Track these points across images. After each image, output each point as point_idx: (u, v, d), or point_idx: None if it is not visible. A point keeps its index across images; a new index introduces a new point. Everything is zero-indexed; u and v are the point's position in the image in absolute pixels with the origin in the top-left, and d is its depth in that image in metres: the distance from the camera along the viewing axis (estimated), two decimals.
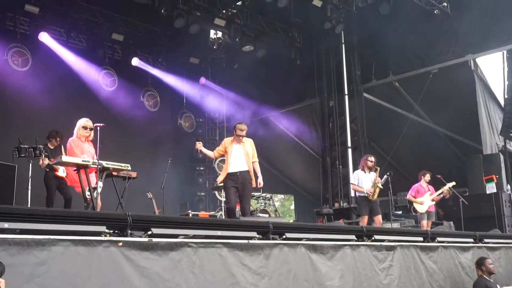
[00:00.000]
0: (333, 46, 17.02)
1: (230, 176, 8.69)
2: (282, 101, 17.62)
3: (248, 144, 8.90)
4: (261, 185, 8.90)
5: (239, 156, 8.75)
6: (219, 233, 5.49)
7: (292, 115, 18.64)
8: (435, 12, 14.48)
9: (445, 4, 14.62)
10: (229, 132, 16.73)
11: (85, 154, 7.90)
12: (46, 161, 8.15)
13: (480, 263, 8.26)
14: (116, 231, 4.76)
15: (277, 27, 16.15)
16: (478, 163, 13.96)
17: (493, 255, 9.26)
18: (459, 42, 14.63)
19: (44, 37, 13.40)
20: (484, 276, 8.15)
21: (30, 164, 8.21)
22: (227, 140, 9.08)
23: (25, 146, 7.95)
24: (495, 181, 13.45)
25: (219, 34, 16.84)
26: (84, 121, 8.18)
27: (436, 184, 11.90)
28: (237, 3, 15.28)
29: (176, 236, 5.08)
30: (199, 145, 8.91)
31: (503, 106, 15.01)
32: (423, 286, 7.60)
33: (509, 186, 13.80)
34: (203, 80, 17.16)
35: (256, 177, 8.80)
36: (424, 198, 11.58)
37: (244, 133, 8.80)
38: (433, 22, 14.58)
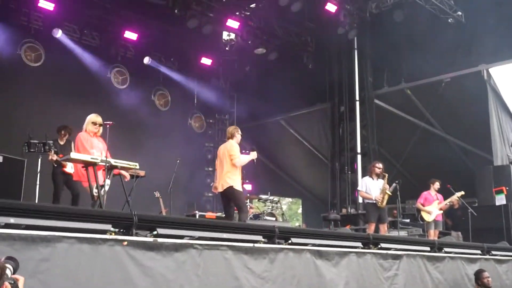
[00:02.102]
0: (346, 51, 17.02)
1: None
2: (293, 104, 17.56)
3: None
4: None
5: None
6: (225, 235, 5.47)
7: (303, 119, 18.63)
8: (449, 20, 14.43)
9: (459, 13, 14.57)
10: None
11: (94, 149, 7.89)
12: (55, 157, 8.17)
13: (476, 276, 8.19)
14: (122, 230, 4.76)
15: (290, 30, 16.12)
16: (488, 174, 13.85)
17: (501, 267, 9.18)
18: (472, 52, 14.54)
19: (58, 33, 13.47)
20: None
21: (39, 159, 8.24)
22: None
23: (34, 141, 7.99)
24: (505, 193, 13.30)
25: (232, 35, 16.82)
26: (93, 117, 8.16)
27: (445, 193, 11.83)
28: (251, 5, 15.26)
29: (181, 237, 5.07)
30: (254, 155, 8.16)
31: None
32: None
33: None
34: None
35: None
36: (432, 206, 11.51)
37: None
38: (447, 31, 14.50)
